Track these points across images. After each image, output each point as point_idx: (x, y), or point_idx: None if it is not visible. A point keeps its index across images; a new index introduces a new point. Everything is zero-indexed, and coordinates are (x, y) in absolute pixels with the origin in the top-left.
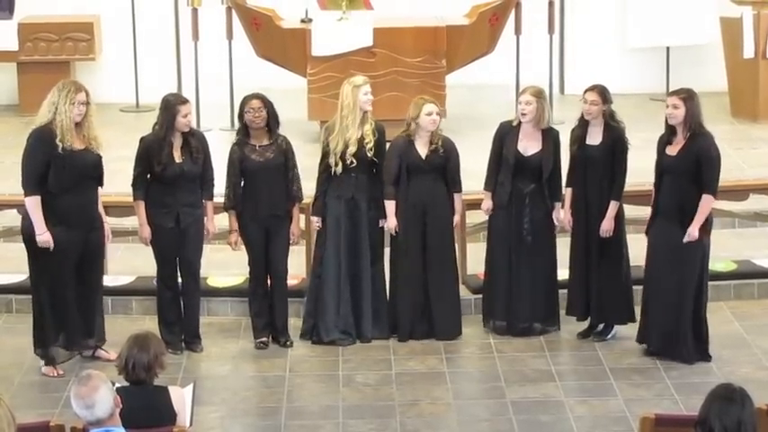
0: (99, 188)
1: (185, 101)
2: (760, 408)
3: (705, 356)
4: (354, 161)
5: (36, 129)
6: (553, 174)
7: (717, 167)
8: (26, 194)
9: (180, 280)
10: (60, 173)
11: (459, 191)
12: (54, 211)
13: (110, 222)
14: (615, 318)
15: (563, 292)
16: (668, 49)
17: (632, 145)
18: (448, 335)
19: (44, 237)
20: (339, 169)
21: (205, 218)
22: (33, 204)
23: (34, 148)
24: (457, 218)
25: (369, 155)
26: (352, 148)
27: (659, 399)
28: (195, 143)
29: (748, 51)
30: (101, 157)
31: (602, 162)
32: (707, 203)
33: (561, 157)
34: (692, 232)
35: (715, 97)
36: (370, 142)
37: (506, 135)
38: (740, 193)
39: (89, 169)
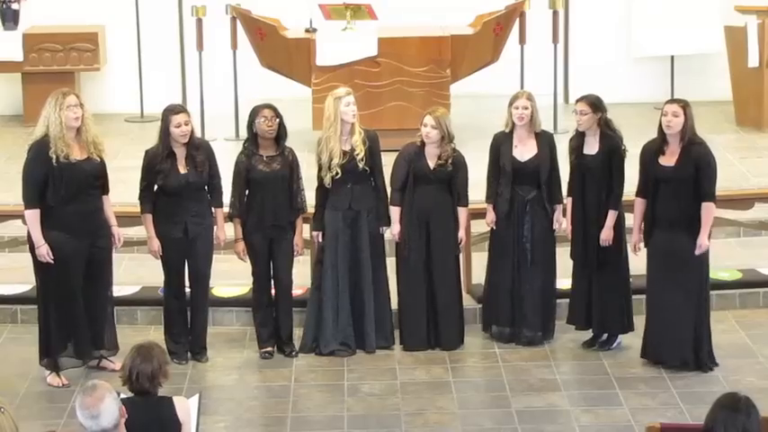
0: (106, 196)
1: (179, 110)
2: (765, 417)
3: (711, 364)
4: (339, 172)
5: (33, 142)
6: (551, 176)
7: (714, 175)
8: (25, 207)
9: (188, 290)
10: (59, 185)
11: (465, 205)
12: (57, 221)
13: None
14: (615, 327)
15: (562, 302)
16: (673, 58)
17: (635, 154)
18: (449, 345)
19: (42, 250)
20: (328, 181)
21: (215, 226)
22: (32, 218)
23: (31, 162)
24: (461, 233)
25: (360, 165)
26: (337, 160)
27: (665, 408)
28: (200, 156)
29: (753, 60)
30: (103, 165)
31: (600, 171)
32: (709, 211)
33: (558, 159)
34: (703, 243)
35: (720, 106)
36: (360, 153)
37: (501, 144)
38: (745, 202)
39: (90, 179)
